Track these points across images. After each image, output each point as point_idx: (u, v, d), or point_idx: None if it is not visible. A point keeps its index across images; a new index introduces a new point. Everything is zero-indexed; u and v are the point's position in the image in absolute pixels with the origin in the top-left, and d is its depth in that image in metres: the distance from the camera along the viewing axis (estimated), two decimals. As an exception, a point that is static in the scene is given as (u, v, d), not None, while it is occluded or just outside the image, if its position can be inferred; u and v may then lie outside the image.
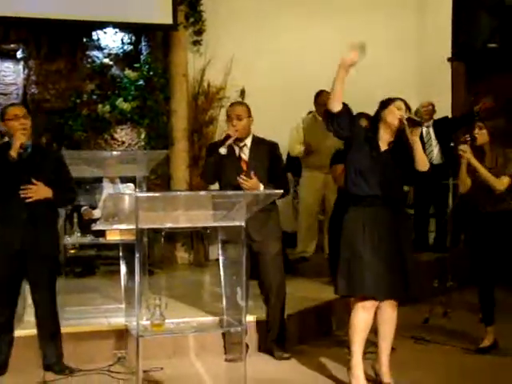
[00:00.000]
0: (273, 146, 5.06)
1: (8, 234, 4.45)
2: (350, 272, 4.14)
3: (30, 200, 4.41)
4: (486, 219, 5.15)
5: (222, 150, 4.81)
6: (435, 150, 7.90)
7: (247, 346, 4.70)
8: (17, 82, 8.13)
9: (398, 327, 4.32)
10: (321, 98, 7.23)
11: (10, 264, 4.45)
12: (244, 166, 4.93)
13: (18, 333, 4.64)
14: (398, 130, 4.23)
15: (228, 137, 4.84)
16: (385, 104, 4.29)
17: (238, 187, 4.67)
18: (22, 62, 8.08)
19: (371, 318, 4.22)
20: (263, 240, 4.91)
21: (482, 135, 5.16)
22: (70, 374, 4.53)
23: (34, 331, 4.62)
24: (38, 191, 4.44)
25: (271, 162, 4.97)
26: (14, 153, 4.41)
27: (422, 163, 4.19)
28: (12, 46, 8.01)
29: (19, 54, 8.07)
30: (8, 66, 8.08)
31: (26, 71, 8.08)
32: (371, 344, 4.47)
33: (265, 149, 5.00)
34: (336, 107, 4.12)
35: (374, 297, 4.13)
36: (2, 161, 4.44)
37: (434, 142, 7.92)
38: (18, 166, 4.43)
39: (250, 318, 4.99)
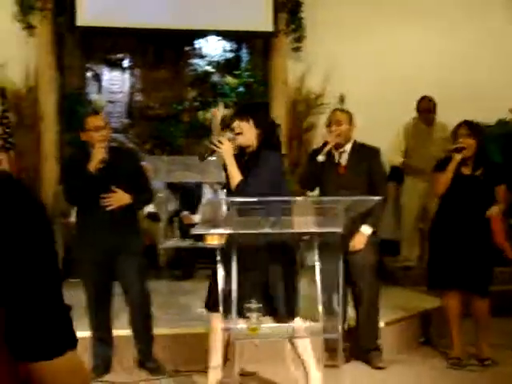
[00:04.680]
0: (373, 152, 5.05)
1: (93, 241, 4.54)
2: None
3: (110, 208, 4.48)
4: None
5: (320, 158, 4.82)
6: None
7: (345, 352, 4.66)
8: (123, 90, 8.40)
9: (498, 339, 4.18)
10: (421, 103, 7.19)
11: (98, 270, 4.54)
12: (342, 171, 4.94)
13: (117, 332, 4.79)
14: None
15: (325, 144, 4.86)
16: None
17: (337, 193, 4.64)
18: (128, 71, 8.36)
19: None
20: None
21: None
22: (163, 373, 4.64)
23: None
24: (118, 199, 4.50)
25: (371, 168, 4.95)
26: (92, 168, 4.46)
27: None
28: (119, 55, 8.30)
29: (125, 63, 8.34)
30: (115, 74, 8.36)
31: (132, 79, 8.35)
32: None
33: (365, 154, 4.99)
34: None
35: None
36: (82, 170, 4.47)
37: None
38: (99, 174, 4.48)
39: (347, 325, 4.95)
